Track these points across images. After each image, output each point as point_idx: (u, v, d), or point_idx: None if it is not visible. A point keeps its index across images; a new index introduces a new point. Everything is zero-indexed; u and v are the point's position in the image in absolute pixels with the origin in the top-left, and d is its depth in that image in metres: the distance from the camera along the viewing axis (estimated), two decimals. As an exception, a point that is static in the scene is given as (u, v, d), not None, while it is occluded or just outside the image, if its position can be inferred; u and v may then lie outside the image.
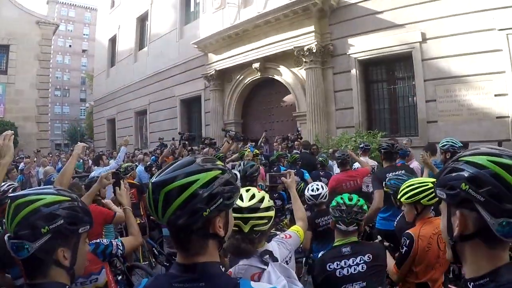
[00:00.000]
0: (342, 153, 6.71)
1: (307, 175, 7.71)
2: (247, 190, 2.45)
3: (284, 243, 2.55)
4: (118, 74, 24.87)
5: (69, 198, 1.62)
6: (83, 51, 64.38)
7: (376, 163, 7.45)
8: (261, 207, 2.34)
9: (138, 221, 6.61)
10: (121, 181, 3.43)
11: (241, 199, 2.34)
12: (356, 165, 7.11)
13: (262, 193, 2.46)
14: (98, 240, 2.89)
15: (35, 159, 12.72)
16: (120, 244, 2.88)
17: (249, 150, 8.30)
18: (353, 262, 2.68)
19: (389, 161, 5.59)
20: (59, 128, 60.63)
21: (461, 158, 1.21)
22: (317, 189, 4.87)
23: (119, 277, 5.08)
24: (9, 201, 1.56)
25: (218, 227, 1.33)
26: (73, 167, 3.69)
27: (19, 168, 13.89)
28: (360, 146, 8.06)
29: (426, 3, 10.15)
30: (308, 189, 4.99)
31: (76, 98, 64.29)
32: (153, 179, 1.29)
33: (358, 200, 3.01)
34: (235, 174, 1.36)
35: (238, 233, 2.22)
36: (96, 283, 3.21)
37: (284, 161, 8.81)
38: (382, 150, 5.66)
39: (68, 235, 1.56)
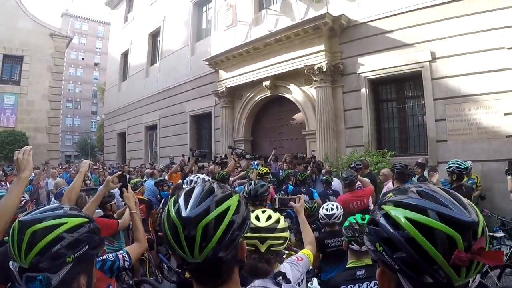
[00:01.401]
0: (350, 174, 6.77)
1: (316, 195, 7.73)
2: (263, 211, 2.51)
3: (297, 265, 2.56)
4: (130, 89, 25.07)
5: (88, 219, 1.51)
6: (95, 64, 65.17)
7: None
8: (278, 227, 2.41)
9: (147, 237, 6.64)
10: (128, 184, 3.41)
11: (258, 219, 2.42)
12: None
13: (278, 214, 2.52)
14: (104, 257, 2.70)
15: (44, 170, 12.73)
16: (126, 255, 2.73)
17: (262, 168, 8.35)
18: (367, 286, 2.64)
19: (400, 182, 5.64)
20: (69, 139, 61.16)
21: (383, 206, 1.02)
22: (332, 209, 4.84)
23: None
24: (18, 224, 1.39)
25: (243, 252, 1.29)
26: (80, 182, 3.68)
27: (28, 178, 14.01)
28: (351, 165, 7.99)
29: (436, 22, 10.17)
30: (323, 208, 4.96)
31: (88, 110, 64.87)
32: (184, 214, 1.17)
33: None
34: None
35: (255, 253, 2.29)
36: None
37: (293, 179, 8.82)
38: (395, 170, 5.71)
39: (88, 261, 1.47)
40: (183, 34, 19.81)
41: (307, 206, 5.77)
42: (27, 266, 1.32)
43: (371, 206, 6.59)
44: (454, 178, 5.58)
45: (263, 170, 7.82)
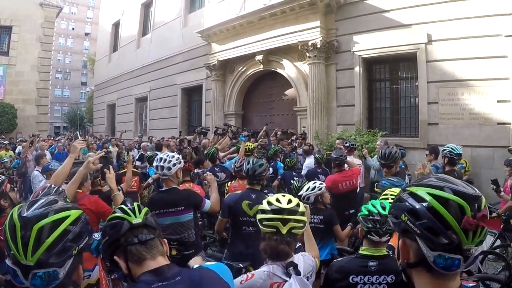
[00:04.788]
0: (340, 154, 6.72)
1: None
2: (283, 195, 2.53)
3: (309, 257, 2.60)
4: (120, 60, 24.76)
5: (81, 211, 1.51)
6: (86, 34, 64.18)
7: (361, 161, 7.42)
8: (299, 210, 2.44)
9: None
10: (110, 165, 3.36)
11: (279, 201, 2.44)
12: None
13: (297, 199, 2.55)
14: None
15: (31, 143, 12.45)
16: None
17: (249, 143, 8.28)
18: (376, 280, 2.47)
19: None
20: (58, 111, 60.60)
21: (408, 188, 1.26)
22: (307, 188, 4.91)
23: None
24: (20, 220, 1.34)
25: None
26: (69, 167, 3.64)
27: (16, 152, 13.75)
28: (346, 144, 8.00)
29: (434, 5, 10.03)
30: (304, 188, 4.98)
31: (77, 81, 64.04)
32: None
33: None
34: None
35: (276, 235, 2.31)
36: (89, 280, 3.15)
37: (281, 156, 8.79)
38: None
39: (84, 251, 1.48)
40: (176, 5, 19.44)
41: (296, 185, 5.84)
42: (33, 264, 1.29)
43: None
44: (445, 162, 5.70)
45: (250, 146, 7.77)
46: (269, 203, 2.45)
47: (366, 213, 2.74)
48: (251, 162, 4.39)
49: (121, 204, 1.85)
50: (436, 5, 10.00)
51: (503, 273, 5.53)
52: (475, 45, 9.38)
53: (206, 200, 4.40)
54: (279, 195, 2.52)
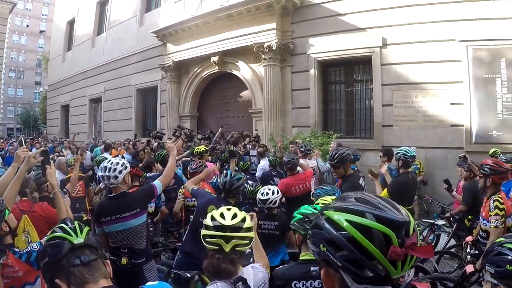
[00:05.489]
0: (292, 158, 6.62)
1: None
2: (229, 209, 2.42)
3: (260, 268, 2.50)
4: (75, 59, 23.98)
5: None
6: (41, 32, 62.10)
7: (316, 162, 7.39)
8: (243, 226, 2.32)
9: (86, 218, 6.28)
10: (51, 161, 3.30)
11: (223, 217, 2.33)
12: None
13: (243, 213, 2.44)
14: (28, 248, 2.61)
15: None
16: None
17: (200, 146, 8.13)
18: (318, 285, 2.43)
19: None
20: (12, 111, 58.23)
21: (325, 212, 1.11)
22: (267, 194, 4.66)
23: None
24: None
25: None
26: (11, 177, 3.38)
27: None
28: (301, 149, 7.98)
29: (390, 9, 10.21)
30: (259, 192, 4.79)
31: (31, 80, 61.85)
32: None
33: None
34: None
35: (219, 253, 2.22)
36: None
37: (235, 159, 8.68)
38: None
39: None
40: (132, 4, 19.01)
41: (249, 189, 5.68)
42: None
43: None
44: (400, 165, 5.70)
45: (200, 149, 7.62)
46: (212, 218, 2.35)
47: (301, 217, 2.64)
48: (229, 175, 4.23)
49: (61, 223, 1.75)
50: (391, 9, 10.19)
51: (458, 271, 5.61)
52: (430, 49, 9.61)
53: (154, 183, 4.16)
54: (224, 209, 2.41)
